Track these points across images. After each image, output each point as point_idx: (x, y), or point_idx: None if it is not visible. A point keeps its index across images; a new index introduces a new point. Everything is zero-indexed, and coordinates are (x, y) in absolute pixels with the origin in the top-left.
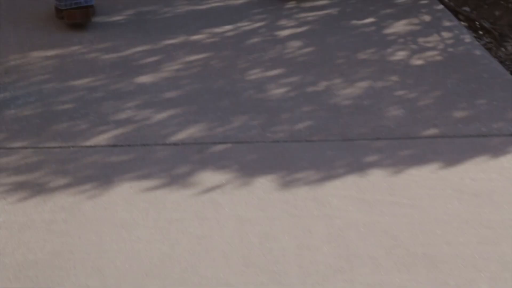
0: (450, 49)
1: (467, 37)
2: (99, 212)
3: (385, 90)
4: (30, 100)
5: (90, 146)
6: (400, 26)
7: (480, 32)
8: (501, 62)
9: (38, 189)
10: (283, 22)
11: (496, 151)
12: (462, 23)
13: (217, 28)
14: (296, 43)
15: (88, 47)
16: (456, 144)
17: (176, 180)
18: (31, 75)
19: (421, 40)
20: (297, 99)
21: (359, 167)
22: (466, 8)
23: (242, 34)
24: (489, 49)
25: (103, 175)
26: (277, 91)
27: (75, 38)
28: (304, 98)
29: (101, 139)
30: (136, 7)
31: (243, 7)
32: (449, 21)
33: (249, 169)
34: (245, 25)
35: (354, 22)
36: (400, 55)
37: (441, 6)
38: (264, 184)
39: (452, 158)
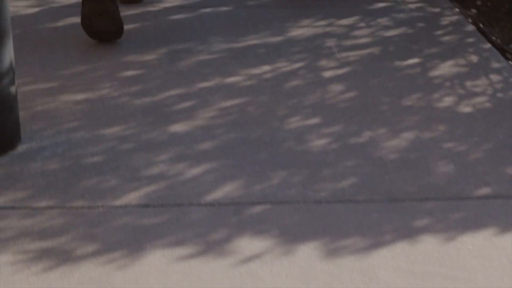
0: (500, 95)
1: None
2: (129, 285)
3: (433, 142)
4: (58, 151)
5: (121, 206)
6: (446, 68)
7: None
8: None
9: (64, 256)
10: (323, 62)
11: None
12: (511, 62)
13: (254, 69)
14: (337, 87)
15: (119, 89)
16: (510, 206)
17: (212, 247)
18: (59, 122)
19: (468, 84)
20: (339, 152)
21: (407, 233)
22: None
23: (280, 76)
24: None
25: (134, 241)
26: (318, 143)
27: (106, 79)
28: (347, 150)
29: (132, 197)
30: (169, 44)
31: (282, 45)
32: (497, 62)
33: (289, 235)
34: (284, 66)
35: (398, 62)
36: (448, 101)
37: (488, 45)
38: (306, 253)
39: (507, 222)
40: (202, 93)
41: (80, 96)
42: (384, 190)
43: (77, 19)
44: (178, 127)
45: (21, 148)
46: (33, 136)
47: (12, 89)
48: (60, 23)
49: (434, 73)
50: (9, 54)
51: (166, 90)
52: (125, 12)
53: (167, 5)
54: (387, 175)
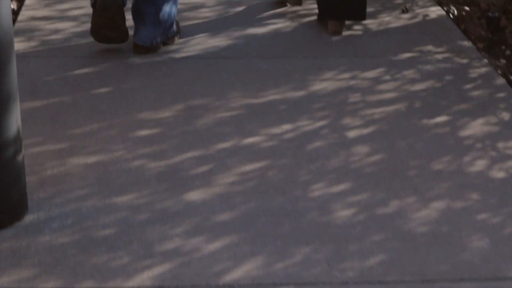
0: None
1: None
2: None
3: (465, 212)
4: (67, 223)
5: None
6: (477, 127)
7: None
8: None
9: None
10: (347, 120)
11: None
12: None
13: (274, 128)
14: (362, 149)
15: (133, 151)
16: None
17: None
18: (69, 189)
19: (501, 145)
20: (366, 224)
21: None
22: None
23: (302, 136)
24: None
25: None
26: (344, 213)
27: (119, 139)
28: (374, 222)
29: (145, 277)
30: (186, 100)
31: (303, 101)
32: None
33: None
34: (306, 124)
35: (426, 121)
36: (480, 165)
37: None
38: None
39: None
40: (220, 155)
41: (91, 159)
42: (415, 269)
43: (89, 70)
44: (194, 195)
45: (28, 218)
46: (41, 205)
47: (19, 157)
48: (71, 75)
49: (464, 132)
50: (16, 120)
51: (182, 152)
52: (139, 62)
53: (183, 55)
54: (417, 251)
